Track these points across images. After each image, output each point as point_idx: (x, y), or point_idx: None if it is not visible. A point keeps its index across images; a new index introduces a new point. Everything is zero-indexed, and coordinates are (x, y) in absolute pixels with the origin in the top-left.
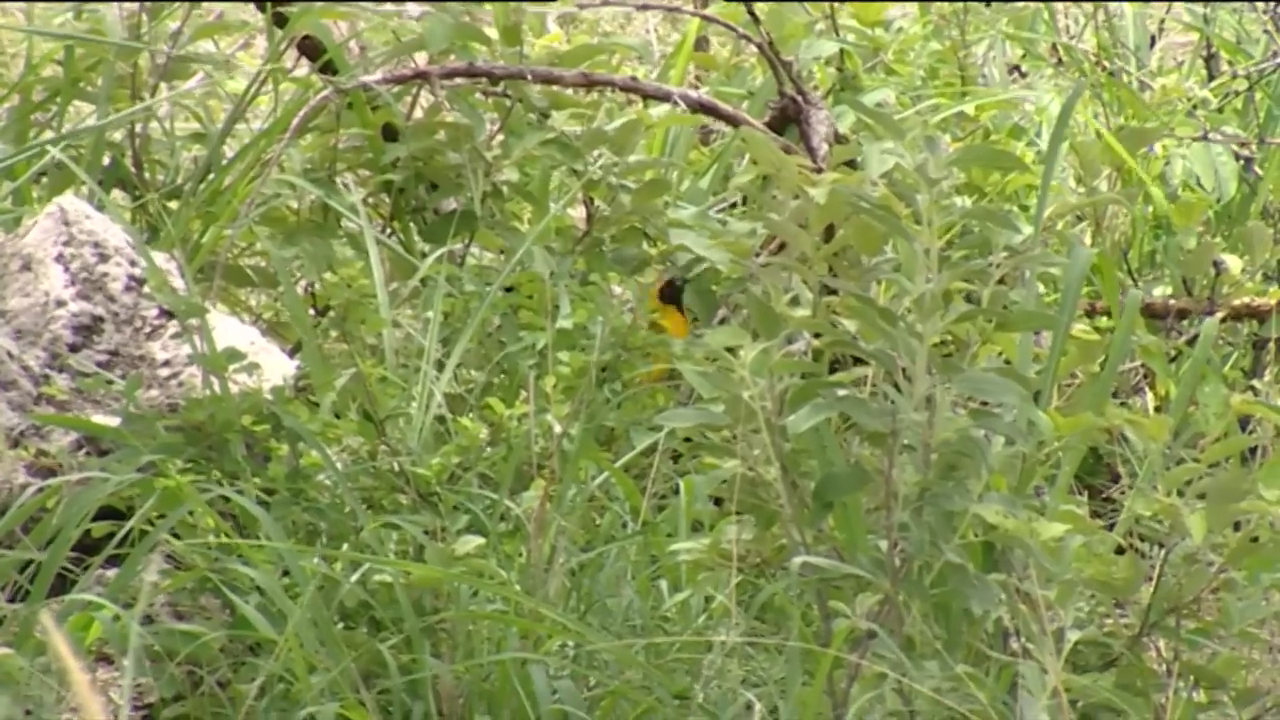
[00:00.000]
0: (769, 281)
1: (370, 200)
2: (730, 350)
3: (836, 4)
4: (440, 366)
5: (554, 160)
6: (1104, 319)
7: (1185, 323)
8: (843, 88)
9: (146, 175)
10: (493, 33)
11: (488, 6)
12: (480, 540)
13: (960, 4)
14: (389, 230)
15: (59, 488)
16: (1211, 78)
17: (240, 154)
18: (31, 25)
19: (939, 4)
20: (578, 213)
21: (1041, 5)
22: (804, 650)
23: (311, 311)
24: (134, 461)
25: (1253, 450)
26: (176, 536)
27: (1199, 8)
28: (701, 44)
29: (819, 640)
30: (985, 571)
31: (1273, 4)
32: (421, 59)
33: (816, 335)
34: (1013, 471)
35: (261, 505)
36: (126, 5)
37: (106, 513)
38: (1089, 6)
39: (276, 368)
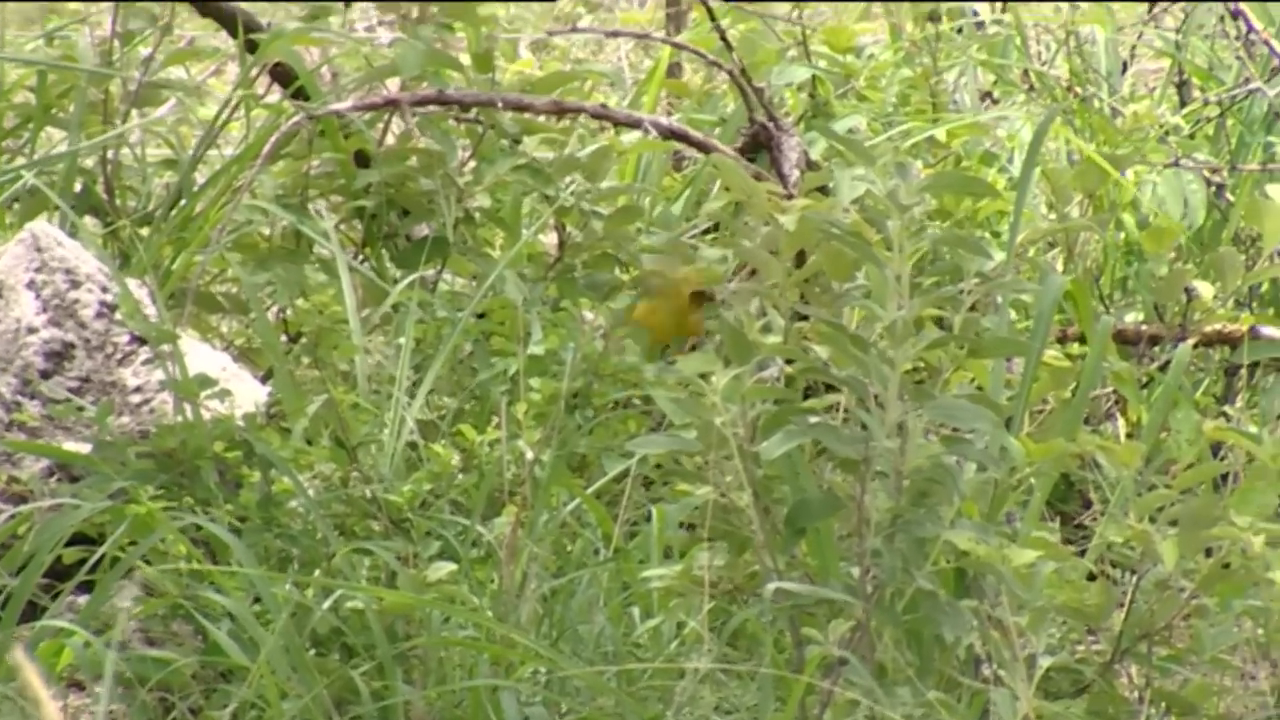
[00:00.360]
0: (741, 308)
1: (342, 226)
2: (702, 377)
3: (809, 31)
4: (412, 393)
5: (526, 186)
6: (1076, 345)
7: (1157, 349)
8: (814, 114)
9: (118, 201)
10: (465, 59)
11: (460, 35)
12: (452, 567)
13: (931, 31)
14: (361, 256)
15: (30, 514)
16: (1183, 104)
17: (212, 180)
18: (3, 52)
19: (911, 31)
20: (550, 239)
21: (1014, 32)
22: (776, 677)
23: (283, 338)
24: (105, 488)
25: (1224, 476)
26: (148, 563)
27: (1171, 34)
28: (673, 71)
29: (791, 667)
30: (957, 598)
31: (1244, 30)
32: (394, 85)
33: (788, 361)
34: (984, 498)
35: (233, 532)
36: (98, 32)
37: (78, 539)
38: (1061, 33)
39: (248, 394)
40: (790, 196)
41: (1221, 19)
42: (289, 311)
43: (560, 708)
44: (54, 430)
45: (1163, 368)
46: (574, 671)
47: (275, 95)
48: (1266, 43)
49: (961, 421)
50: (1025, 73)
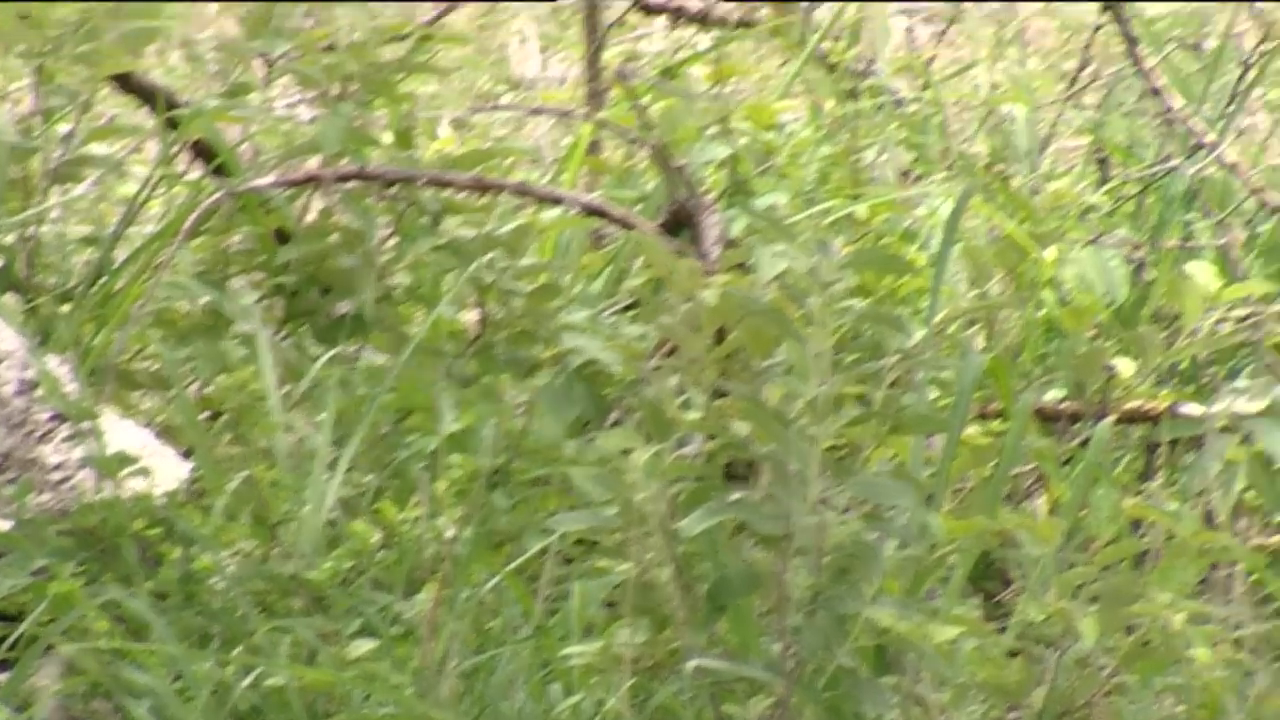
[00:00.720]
0: (661, 385)
1: (263, 303)
2: (623, 453)
3: (729, 109)
4: (333, 470)
5: (446, 264)
6: (997, 422)
7: (1078, 426)
8: (735, 191)
9: (38, 278)
10: (386, 137)
11: (381, 112)
12: (373, 644)
13: (851, 109)
14: (282, 333)
15: None
16: (1103, 182)
17: (132, 257)
18: None
19: (831, 109)
20: (470, 316)
21: (933, 109)
22: None
23: (205, 414)
24: (26, 566)
25: (1145, 554)
26: (69, 640)
27: (1091, 111)
28: (594, 148)
29: None
30: (878, 675)
31: (1163, 108)
32: (315, 162)
33: (710, 438)
34: (906, 575)
35: (154, 609)
36: (18, 109)
37: None
38: (981, 110)
39: (170, 471)
40: (711, 273)
41: (1142, 96)
42: (210, 388)
43: None
44: None
45: (1083, 445)
46: None
47: (196, 172)
48: (1184, 121)
49: (882, 498)
50: (945, 150)
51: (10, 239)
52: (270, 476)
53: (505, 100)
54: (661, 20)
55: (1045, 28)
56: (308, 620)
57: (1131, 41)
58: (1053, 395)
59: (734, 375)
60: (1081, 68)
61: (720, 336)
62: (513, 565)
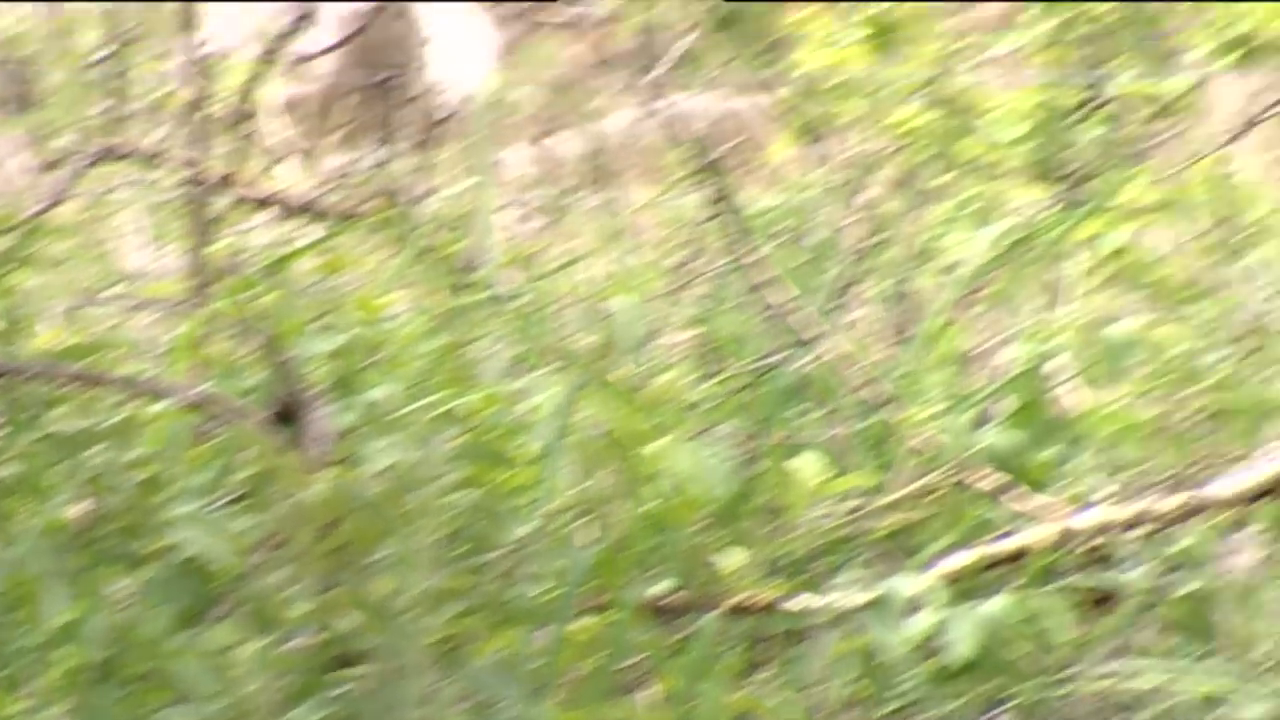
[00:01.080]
0: (269, 577)
1: None
2: (232, 646)
3: (337, 301)
4: None
5: (51, 457)
6: (606, 614)
7: (687, 618)
8: (343, 384)
9: None
10: None
11: None
12: None
13: (459, 302)
14: None
15: None
16: (711, 375)
17: None
18: None
19: (439, 301)
20: (78, 508)
21: (543, 303)
22: None
23: None
24: None
25: None
26: None
27: (700, 305)
28: (203, 340)
29: None
30: None
31: (767, 303)
32: None
33: (320, 630)
34: None
35: None
36: None
37: None
38: (590, 303)
39: None
40: (320, 466)
41: (753, 288)
42: None
43: None
44: None
45: (692, 636)
46: None
47: None
48: (790, 315)
49: (491, 690)
50: (554, 343)
51: None
52: None
53: (113, 293)
54: (271, 213)
55: (654, 220)
56: None
57: (737, 235)
58: (663, 587)
59: (343, 567)
60: (689, 260)
61: (329, 529)
62: None
